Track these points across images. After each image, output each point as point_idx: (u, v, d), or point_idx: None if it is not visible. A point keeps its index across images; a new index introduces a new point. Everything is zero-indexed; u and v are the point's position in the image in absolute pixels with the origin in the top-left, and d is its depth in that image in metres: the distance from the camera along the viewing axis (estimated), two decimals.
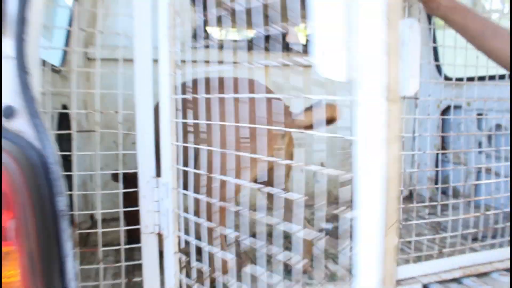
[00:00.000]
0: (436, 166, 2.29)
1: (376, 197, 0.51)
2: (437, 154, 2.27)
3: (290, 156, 1.45)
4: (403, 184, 2.07)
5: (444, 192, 2.01)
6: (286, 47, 2.44)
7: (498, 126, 1.87)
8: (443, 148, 2.30)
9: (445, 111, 2.30)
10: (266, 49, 2.29)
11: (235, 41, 2.35)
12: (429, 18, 2.23)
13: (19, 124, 0.75)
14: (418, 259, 1.38)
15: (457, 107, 2.18)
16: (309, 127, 1.36)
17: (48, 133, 0.77)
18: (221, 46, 2.17)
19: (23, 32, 0.75)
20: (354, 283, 0.56)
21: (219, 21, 2.31)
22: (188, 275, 0.99)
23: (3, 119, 0.75)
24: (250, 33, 2.55)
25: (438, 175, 2.33)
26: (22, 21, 0.74)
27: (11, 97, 0.75)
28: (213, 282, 0.97)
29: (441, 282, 1.34)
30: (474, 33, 1.02)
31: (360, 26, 0.50)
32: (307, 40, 2.55)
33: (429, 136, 1.63)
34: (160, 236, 1.03)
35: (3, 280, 0.70)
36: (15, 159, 0.71)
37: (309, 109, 1.38)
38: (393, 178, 0.52)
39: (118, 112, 1.14)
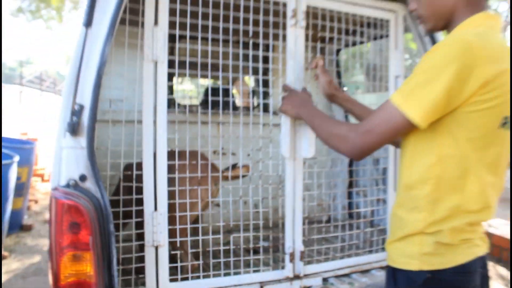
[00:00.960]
0: (349, 197, 3.04)
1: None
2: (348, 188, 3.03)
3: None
4: (325, 211, 2.79)
5: (352, 215, 2.76)
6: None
7: (385, 169, 2.64)
8: (351, 183, 3.07)
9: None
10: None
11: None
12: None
13: (88, 184, 1.36)
14: (320, 261, 2.08)
15: None
16: (236, 177, 2.11)
17: (103, 189, 1.38)
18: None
19: (92, 135, 1.36)
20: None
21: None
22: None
23: (79, 182, 1.35)
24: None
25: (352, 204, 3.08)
26: (92, 129, 1.36)
27: (84, 169, 1.36)
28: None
29: (336, 276, 2.03)
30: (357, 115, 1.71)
31: None
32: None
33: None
34: (157, 247, 1.64)
35: (83, 274, 1.30)
36: (89, 203, 1.32)
37: (235, 166, 2.12)
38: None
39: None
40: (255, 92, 3.05)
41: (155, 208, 1.64)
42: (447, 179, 1.17)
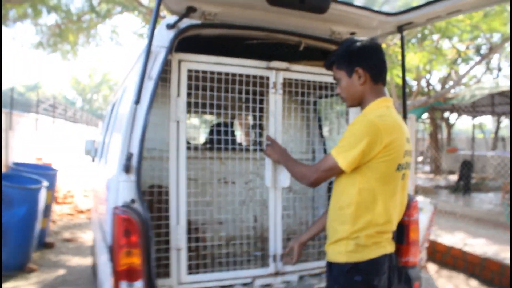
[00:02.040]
0: None
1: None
2: None
3: None
4: (306, 224, 3.46)
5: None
6: None
7: None
8: None
9: None
10: None
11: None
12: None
13: (136, 205, 2.08)
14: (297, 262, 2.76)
15: None
16: None
17: (145, 208, 2.09)
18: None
19: (139, 173, 2.08)
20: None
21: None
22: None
23: (130, 203, 2.07)
24: None
25: None
26: (138, 169, 2.08)
27: (134, 195, 2.07)
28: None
29: (310, 275, 2.71)
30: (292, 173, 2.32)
31: None
32: None
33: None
34: (178, 249, 2.35)
35: (134, 264, 2.00)
36: (137, 217, 2.03)
37: None
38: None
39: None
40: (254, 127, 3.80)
41: (178, 222, 2.36)
42: (363, 203, 1.90)
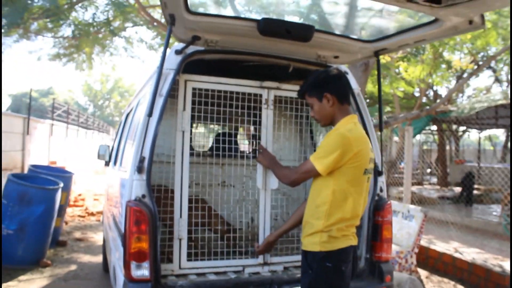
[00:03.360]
0: None
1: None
2: None
3: None
4: None
5: None
6: None
7: None
8: None
9: None
10: None
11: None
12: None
13: (146, 199, 2.50)
14: (282, 254, 3.15)
15: None
16: None
17: (154, 202, 2.51)
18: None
19: (149, 173, 2.51)
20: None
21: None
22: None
23: (141, 198, 2.50)
24: None
25: None
26: (149, 170, 2.51)
27: (145, 191, 2.50)
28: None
29: (294, 266, 3.10)
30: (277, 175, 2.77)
31: None
32: None
33: None
34: (180, 239, 2.77)
35: (142, 248, 2.42)
36: (147, 209, 2.46)
37: None
38: None
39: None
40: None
41: (181, 216, 2.79)
42: (336, 202, 2.30)
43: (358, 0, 3.88)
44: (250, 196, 3.15)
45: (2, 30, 7.34)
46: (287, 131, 3.48)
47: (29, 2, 7.89)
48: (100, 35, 10.36)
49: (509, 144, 19.12)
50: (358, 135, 2.33)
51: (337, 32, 3.13)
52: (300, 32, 2.75)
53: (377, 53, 3.11)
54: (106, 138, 27.95)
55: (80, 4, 9.15)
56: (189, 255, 2.82)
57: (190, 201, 2.83)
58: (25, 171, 9.80)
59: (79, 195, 12.41)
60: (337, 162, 2.25)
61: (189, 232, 2.87)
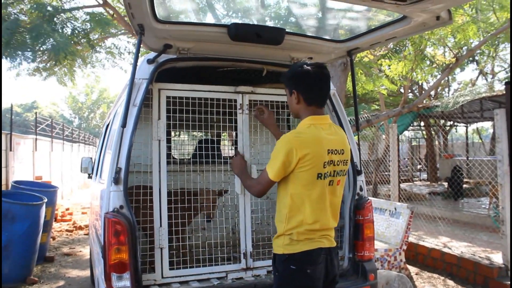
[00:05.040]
0: None
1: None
2: None
3: None
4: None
5: None
6: None
7: None
8: None
9: None
10: None
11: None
12: None
13: (124, 210, 2.49)
14: (265, 259, 3.14)
15: None
16: None
17: (132, 213, 2.50)
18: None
19: (126, 184, 2.50)
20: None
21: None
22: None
23: (119, 209, 2.48)
24: None
25: None
26: (126, 180, 2.49)
27: (122, 202, 2.48)
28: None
29: None
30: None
31: None
32: None
33: None
34: (161, 248, 2.75)
35: (122, 259, 2.41)
36: (125, 220, 2.44)
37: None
38: None
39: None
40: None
41: (160, 225, 2.77)
42: (295, 206, 2.28)
43: (327, 1, 3.91)
44: (230, 201, 3.14)
45: None
46: (264, 135, 3.49)
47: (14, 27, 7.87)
48: (80, 47, 10.27)
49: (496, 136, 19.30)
50: (307, 138, 2.25)
51: (309, 33, 3.15)
52: (271, 36, 2.76)
53: (349, 53, 3.13)
54: (93, 150, 27.71)
55: (59, 17, 9.08)
56: (171, 263, 2.80)
57: (169, 209, 2.82)
58: (9, 188, 9.68)
59: (67, 209, 12.28)
60: (286, 167, 2.23)
61: (170, 240, 2.85)
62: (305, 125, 2.33)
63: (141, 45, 2.53)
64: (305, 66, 2.35)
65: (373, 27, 2.90)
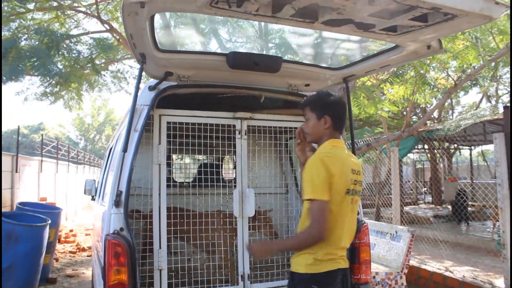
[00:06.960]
0: None
1: None
2: None
3: None
4: None
5: None
6: None
7: None
8: None
9: None
10: None
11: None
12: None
13: (124, 232, 2.56)
14: (262, 281, 3.19)
15: None
16: None
17: (132, 235, 2.57)
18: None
19: (126, 206, 2.58)
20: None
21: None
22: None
23: (120, 231, 2.55)
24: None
25: None
26: (126, 203, 2.58)
27: (122, 224, 2.56)
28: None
29: None
30: None
31: None
32: None
33: None
34: (160, 270, 2.81)
35: (122, 280, 2.47)
36: (125, 242, 2.51)
37: None
38: None
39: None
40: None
41: (160, 247, 2.83)
42: None
43: (323, 32, 4.05)
44: (228, 224, 3.22)
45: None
46: (263, 159, 3.57)
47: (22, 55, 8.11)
48: (87, 71, 10.49)
49: None
50: (335, 156, 2.33)
51: (306, 61, 3.27)
52: (268, 64, 2.88)
53: (345, 79, 3.24)
54: (97, 172, 27.84)
55: (67, 42, 9.32)
56: (169, 285, 2.86)
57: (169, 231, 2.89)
58: (14, 209, 9.76)
59: (71, 230, 12.30)
60: (329, 179, 2.24)
61: (169, 262, 2.91)
62: (328, 146, 2.42)
63: (143, 73, 2.64)
64: (334, 95, 2.51)
65: (367, 55, 3.01)
